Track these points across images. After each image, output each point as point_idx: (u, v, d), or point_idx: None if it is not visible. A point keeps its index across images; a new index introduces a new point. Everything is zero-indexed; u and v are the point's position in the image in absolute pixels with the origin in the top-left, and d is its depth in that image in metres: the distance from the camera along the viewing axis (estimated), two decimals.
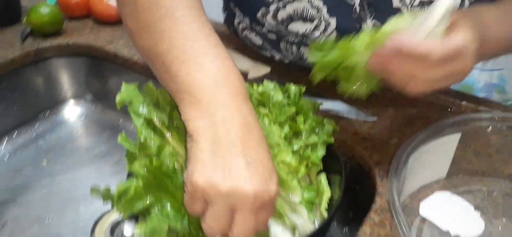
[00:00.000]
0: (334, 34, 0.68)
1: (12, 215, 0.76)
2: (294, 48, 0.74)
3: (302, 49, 0.73)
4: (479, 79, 1.82)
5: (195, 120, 0.41)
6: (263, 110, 0.59)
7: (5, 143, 0.89)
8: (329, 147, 0.60)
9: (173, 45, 0.43)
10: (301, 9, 0.67)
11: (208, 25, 0.45)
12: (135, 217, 0.52)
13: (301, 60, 0.76)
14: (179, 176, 0.52)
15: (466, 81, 1.91)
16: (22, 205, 0.78)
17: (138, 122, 0.51)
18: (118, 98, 0.50)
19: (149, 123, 0.51)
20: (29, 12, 0.92)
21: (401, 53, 0.44)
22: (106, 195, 0.49)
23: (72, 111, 0.98)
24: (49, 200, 0.79)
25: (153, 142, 0.51)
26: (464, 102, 0.71)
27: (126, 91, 0.51)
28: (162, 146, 0.53)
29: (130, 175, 0.57)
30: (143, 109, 0.51)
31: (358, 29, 0.66)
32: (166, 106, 0.53)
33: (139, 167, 0.48)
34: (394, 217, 0.43)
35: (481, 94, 1.02)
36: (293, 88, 0.62)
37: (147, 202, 0.50)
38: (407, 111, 0.72)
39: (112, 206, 0.50)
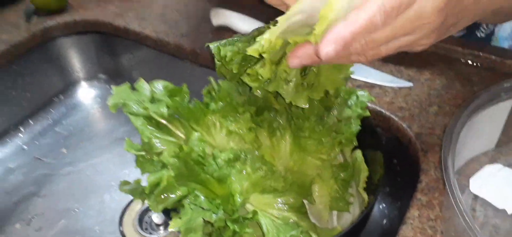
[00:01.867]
0: None
1: (38, 209, 0.74)
2: None
3: None
4: (505, 26, 1.71)
5: None
6: None
7: (22, 131, 0.86)
8: (364, 120, 0.55)
9: None
10: None
11: None
12: (166, 210, 0.49)
13: None
14: (209, 163, 0.50)
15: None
16: (46, 197, 0.76)
17: (138, 122, 0.48)
18: (110, 102, 0.48)
19: (150, 120, 0.49)
20: None
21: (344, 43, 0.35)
22: (136, 191, 0.47)
23: (86, 93, 0.94)
24: (73, 190, 0.77)
25: (158, 140, 0.48)
26: (509, 61, 0.65)
27: (117, 94, 0.48)
28: (189, 132, 0.50)
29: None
30: (138, 108, 0.48)
31: None
32: (162, 98, 0.50)
33: (169, 156, 0.46)
34: (455, 206, 0.39)
35: (505, 44, 0.93)
36: None
37: (179, 193, 0.47)
38: (444, 73, 0.66)
39: (143, 201, 0.48)
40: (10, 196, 0.77)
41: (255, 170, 0.51)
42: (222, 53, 0.44)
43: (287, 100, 0.47)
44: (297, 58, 0.37)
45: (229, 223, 0.48)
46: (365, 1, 0.33)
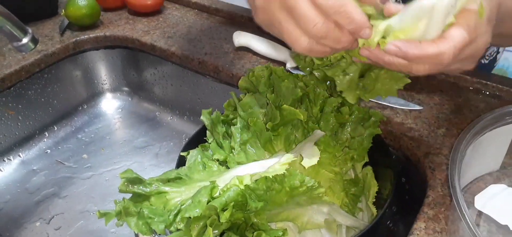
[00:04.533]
0: None
1: (58, 209, 0.78)
2: None
3: None
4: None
5: None
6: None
7: (46, 136, 0.91)
8: (376, 139, 0.58)
9: None
10: None
11: None
12: None
13: None
14: None
15: (499, 65, 1.87)
16: (66, 198, 0.80)
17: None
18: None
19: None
20: (67, 4, 0.92)
21: (406, 58, 0.41)
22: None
23: (110, 104, 0.99)
24: (92, 193, 0.80)
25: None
26: None
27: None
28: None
29: (180, 164, 0.58)
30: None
31: None
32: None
33: None
34: (460, 214, 0.42)
35: None
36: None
37: None
38: (453, 99, 0.70)
39: None
40: (32, 196, 0.80)
41: None
42: None
43: (338, 89, 0.50)
44: (367, 51, 0.42)
45: None
46: (440, 38, 0.39)
